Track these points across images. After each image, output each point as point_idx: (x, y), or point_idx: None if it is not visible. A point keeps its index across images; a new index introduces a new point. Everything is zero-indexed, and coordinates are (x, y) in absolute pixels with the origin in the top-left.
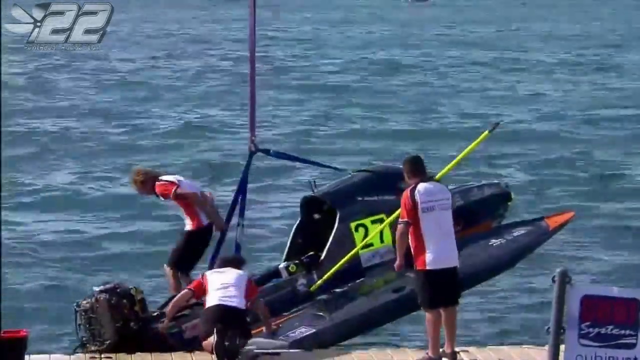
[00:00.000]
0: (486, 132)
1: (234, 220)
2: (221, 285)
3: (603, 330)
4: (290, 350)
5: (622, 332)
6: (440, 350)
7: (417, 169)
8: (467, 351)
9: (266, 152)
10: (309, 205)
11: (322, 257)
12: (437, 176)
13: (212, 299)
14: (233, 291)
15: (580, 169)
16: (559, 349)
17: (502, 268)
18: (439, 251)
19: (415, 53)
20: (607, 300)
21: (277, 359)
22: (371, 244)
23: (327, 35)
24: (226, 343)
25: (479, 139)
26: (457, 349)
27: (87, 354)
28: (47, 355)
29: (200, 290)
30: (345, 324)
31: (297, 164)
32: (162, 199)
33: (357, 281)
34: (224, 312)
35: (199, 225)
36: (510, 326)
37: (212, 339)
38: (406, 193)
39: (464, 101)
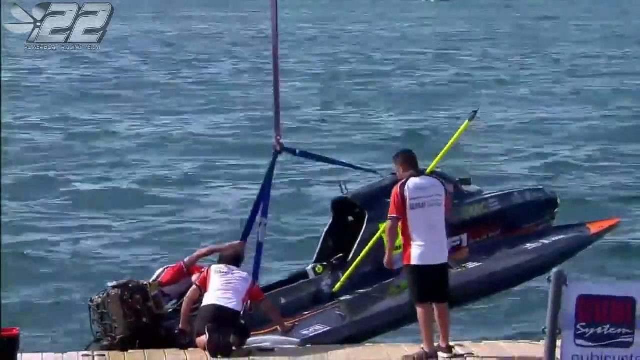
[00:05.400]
0: (466, 122)
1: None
2: (221, 287)
3: (599, 330)
4: (284, 346)
5: (619, 331)
6: (436, 344)
7: (409, 162)
8: (462, 345)
9: (292, 151)
10: (339, 207)
11: (349, 258)
12: (428, 170)
13: (209, 299)
14: (231, 294)
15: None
16: (555, 351)
17: (536, 272)
18: (426, 248)
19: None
20: (603, 300)
21: (271, 355)
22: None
23: (349, 33)
24: (220, 340)
25: (460, 130)
26: (452, 343)
27: (79, 353)
28: (39, 354)
29: (205, 286)
30: (362, 323)
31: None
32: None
33: (383, 282)
34: (217, 312)
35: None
36: (508, 322)
37: (205, 337)
38: (396, 189)
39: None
